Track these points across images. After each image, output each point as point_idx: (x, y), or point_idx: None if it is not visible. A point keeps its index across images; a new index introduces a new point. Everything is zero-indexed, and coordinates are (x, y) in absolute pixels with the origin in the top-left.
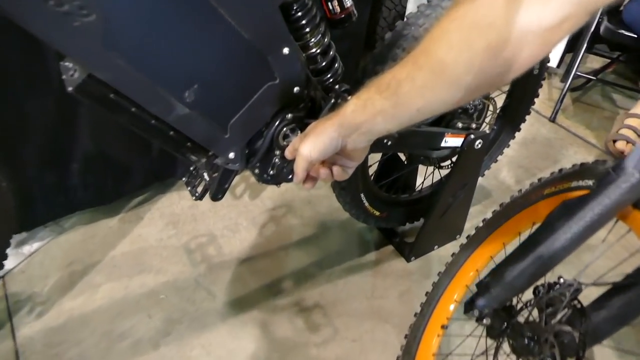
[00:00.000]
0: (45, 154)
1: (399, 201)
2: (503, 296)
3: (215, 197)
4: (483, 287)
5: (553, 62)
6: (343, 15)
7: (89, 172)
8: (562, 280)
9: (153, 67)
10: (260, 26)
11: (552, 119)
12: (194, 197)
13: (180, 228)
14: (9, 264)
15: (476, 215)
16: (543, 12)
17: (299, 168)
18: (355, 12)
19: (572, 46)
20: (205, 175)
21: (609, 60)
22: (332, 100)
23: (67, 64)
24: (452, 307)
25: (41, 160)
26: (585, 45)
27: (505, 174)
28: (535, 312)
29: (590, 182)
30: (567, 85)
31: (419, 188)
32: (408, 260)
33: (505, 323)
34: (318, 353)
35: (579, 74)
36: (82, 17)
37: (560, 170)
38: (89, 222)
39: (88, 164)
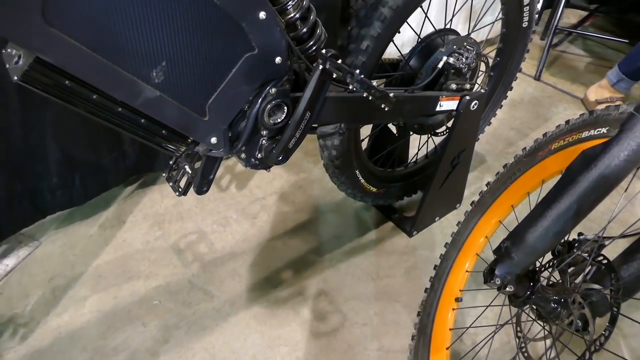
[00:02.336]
0: (6, 159)
1: (394, 175)
2: (526, 260)
3: (200, 191)
4: (502, 252)
5: None
6: None
7: (55, 173)
8: (582, 237)
9: (110, 43)
10: None
11: (537, 78)
12: (177, 193)
13: (167, 228)
14: None
15: (474, 182)
16: None
17: None
18: None
19: (549, 2)
20: (187, 168)
21: (586, 13)
22: (321, 67)
23: (9, 50)
24: (464, 278)
25: (2, 164)
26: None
27: (497, 138)
28: (556, 274)
29: (604, 130)
30: (549, 41)
31: (414, 159)
32: (410, 235)
33: (530, 289)
34: (329, 342)
35: (560, 28)
36: None
37: (567, 122)
38: (67, 232)
39: (53, 164)
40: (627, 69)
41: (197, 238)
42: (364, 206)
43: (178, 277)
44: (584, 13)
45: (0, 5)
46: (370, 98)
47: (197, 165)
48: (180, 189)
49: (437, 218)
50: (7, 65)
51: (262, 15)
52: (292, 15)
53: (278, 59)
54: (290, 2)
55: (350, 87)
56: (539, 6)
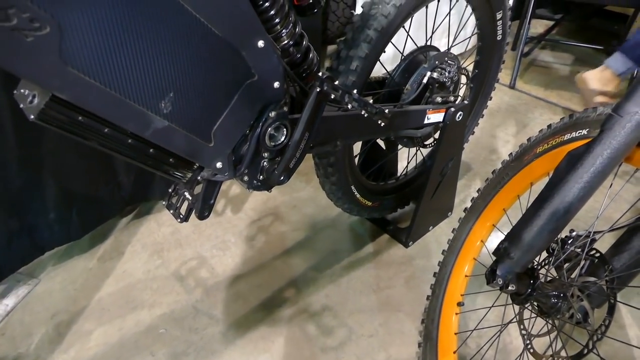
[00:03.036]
0: (2, 196)
1: (387, 188)
2: (524, 259)
3: (202, 216)
4: (501, 253)
5: None
6: (310, 1)
7: (52, 209)
8: (574, 234)
9: (122, 79)
10: (231, 20)
11: (512, 86)
12: (178, 220)
13: (166, 256)
14: None
15: (462, 190)
16: None
17: None
18: None
19: (516, 14)
20: (187, 194)
21: (552, 23)
22: (318, 89)
23: (22, 91)
24: (464, 283)
25: None
26: (531, 9)
27: (480, 146)
28: (552, 271)
29: (584, 131)
30: (520, 51)
31: (404, 172)
32: (406, 245)
33: (530, 286)
34: (337, 356)
35: (530, 37)
36: (34, 31)
37: (549, 126)
38: (66, 267)
39: (50, 200)
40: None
41: (197, 264)
42: (358, 220)
43: (182, 304)
44: (550, 22)
45: (20, 49)
46: (366, 115)
47: (196, 191)
48: (181, 216)
49: (431, 227)
50: (22, 105)
51: (260, 43)
52: (286, 41)
53: (276, 84)
54: (284, 30)
55: (349, 106)
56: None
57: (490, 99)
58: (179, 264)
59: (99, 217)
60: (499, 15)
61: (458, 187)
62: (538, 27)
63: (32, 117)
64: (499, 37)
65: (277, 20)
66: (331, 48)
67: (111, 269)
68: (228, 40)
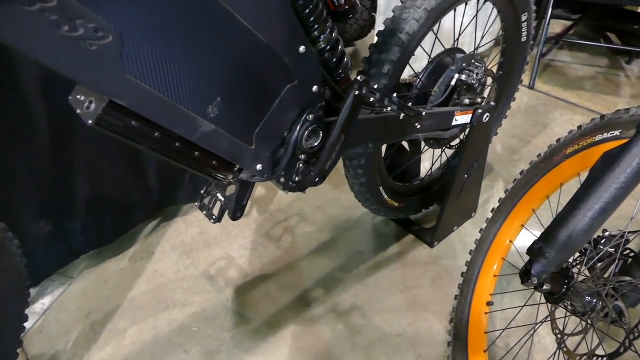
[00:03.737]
0: (39, 203)
1: (412, 189)
2: (559, 258)
3: (235, 216)
4: (536, 252)
5: None
6: (347, 6)
7: (86, 214)
8: (607, 234)
9: (174, 85)
10: (276, 27)
11: (531, 86)
12: (211, 220)
13: (195, 256)
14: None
15: (484, 190)
16: None
17: None
18: (358, 1)
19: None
20: (219, 196)
21: (570, 23)
22: (355, 92)
23: (78, 97)
24: (492, 282)
25: (36, 210)
26: (550, 9)
27: (501, 147)
28: (585, 271)
29: (617, 132)
30: (539, 51)
31: (429, 173)
32: (431, 245)
33: (565, 285)
34: (367, 354)
35: (549, 38)
36: (98, 40)
37: (579, 127)
38: (98, 268)
39: (84, 206)
40: None
41: (226, 263)
42: (382, 221)
43: (213, 303)
44: (568, 23)
45: (85, 58)
46: (402, 117)
47: (228, 192)
48: (214, 217)
49: (455, 227)
50: (78, 111)
51: (302, 49)
52: (323, 46)
53: (315, 88)
54: (322, 36)
55: (388, 109)
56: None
57: (514, 100)
58: (208, 263)
59: (131, 221)
60: (523, 17)
61: (481, 188)
62: (555, 27)
63: (90, 122)
64: (523, 39)
65: (315, 26)
66: (348, 50)
67: (142, 269)
68: (272, 46)
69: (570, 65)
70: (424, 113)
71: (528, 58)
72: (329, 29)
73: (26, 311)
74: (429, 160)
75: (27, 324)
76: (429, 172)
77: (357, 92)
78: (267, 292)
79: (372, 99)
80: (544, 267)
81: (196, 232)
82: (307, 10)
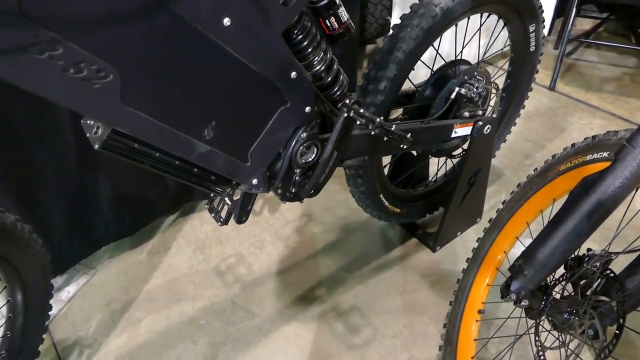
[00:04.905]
0: (66, 199)
1: (416, 195)
2: (537, 276)
3: (240, 220)
4: (516, 270)
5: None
6: (341, 30)
7: (108, 209)
8: (590, 253)
9: (171, 114)
10: (267, 57)
11: (552, 88)
12: (219, 223)
13: (208, 252)
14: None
15: (493, 196)
16: None
17: None
18: (352, 24)
19: (560, 11)
20: (227, 200)
21: (598, 21)
22: (345, 114)
23: (89, 122)
24: (485, 291)
25: (63, 205)
26: (574, 8)
27: (514, 151)
28: (569, 287)
29: (605, 154)
30: (561, 52)
31: (434, 179)
32: (434, 250)
33: (543, 302)
34: (362, 354)
35: (572, 38)
36: (100, 79)
37: (573, 145)
38: (119, 260)
39: (106, 202)
40: None
41: (236, 260)
42: (388, 224)
43: (221, 298)
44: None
45: (89, 95)
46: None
47: (235, 195)
48: (221, 219)
49: (459, 233)
50: (88, 135)
51: (293, 74)
52: (317, 68)
53: (307, 109)
54: (316, 58)
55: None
56: (549, 18)
57: (523, 108)
58: (219, 260)
59: (149, 216)
60: (531, 28)
61: (490, 193)
62: (585, 24)
63: (96, 146)
64: (532, 49)
65: (309, 50)
66: (369, 48)
67: (158, 262)
68: (264, 74)
69: (596, 66)
70: (408, 135)
71: (547, 57)
72: (323, 52)
73: (53, 299)
74: (434, 167)
75: (53, 311)
76: (434, 179)
77: (346, 115)
78: (273, 290)
79: (358, 122)
80: (522, 284)
81: (210, 229)
82: (301, 36)
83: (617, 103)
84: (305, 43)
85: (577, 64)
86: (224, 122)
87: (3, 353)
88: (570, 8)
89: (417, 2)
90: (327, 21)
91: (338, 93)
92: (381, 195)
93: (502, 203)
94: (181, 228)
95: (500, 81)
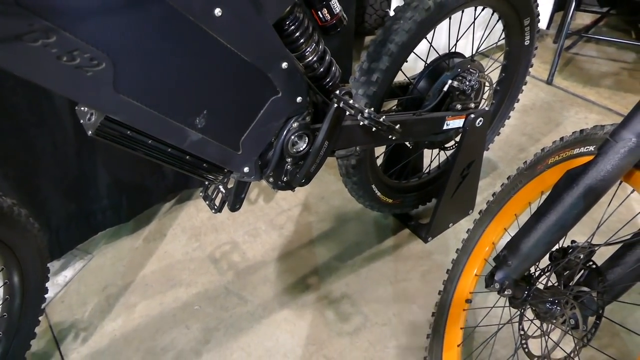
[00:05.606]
0: (64, 185)
1: (409, 186)
2: (521, 267)
3: (234, 208)
4: (501, 260)
5: (543, 24)
6: (334, 21)
7: (105, 196)
8: (575, 244)
9: (164, 102)
10: (258, 48)
11: (549, 82)
12: (213, 211)
13: (203, 240)
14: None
15: (486, 188)
16: None
17: None
18: (345, 16)
19: (560, 5)
20: (221, 188)
21: (598, 15)
22: (335, 105)
23: (83, 108)
24: (473, 281)
25: (61, 191)
26: (574, 2)
27: (509, 144)
28: (553, 277)
29: (591, 148)
30: (560, 46)
31: (427, 170)
32: (425, 241)
33: (526, 291)
34: (352, 341)
35: (571, 32)
36: (93, 67)
37: (562, 138)
38: (115, 245)
39: (103, 188)
40: None
41: (230, 248)
42: (382, 214)
43: (215, 284)
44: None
45: (82, 82)
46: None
47: (230, 184)
48: (215, 207)
49: (451, 224)
50: (82, 121)
51: (284, 65)
52: (310, 58)
53: (299, 99)
54: (308, 49)
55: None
56: (548, 12)
57: (518, 101)
58: (214, 247)
59: (145, 203)
60: (526, 22)
61: (483, 185)
62: (585, 18)
63: (90, 132)
64: (526, 43)
65: (301, 40)
66: (368, 39)
67: (154, 249)
68: (255, 64)
69: (595, 60)
70: (397, 127)
71: (546, 50)
72: (315, 43)
73: (50, 283)
74: (427, 159)
75: (50, 294)
76: (427, 170)
77: (336, 106)
78: (266, 277)
79: (348, 113)
80: (506, 274)
81: (205, 217)
82: (293, 28)
83: (614, 98)
84: (297, 34)
85: (575, 58)
86: (215, 111)
87: (0, 334)
88: (570, 2)
89: None
90: (319, 12)
91: (330, 84)
92: (373, 186)
93: (493, 195)
94: (177, 215)
95: (496, 73)
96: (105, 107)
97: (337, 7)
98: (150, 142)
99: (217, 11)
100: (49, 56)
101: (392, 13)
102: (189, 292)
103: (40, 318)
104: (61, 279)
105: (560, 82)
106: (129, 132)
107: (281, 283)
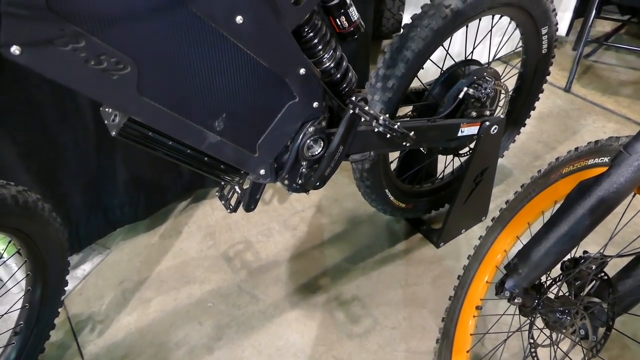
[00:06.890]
0: (84, 180)
1: (422, 191)
2: (531, 276)
3: (249, 208)
4: (511, 268)
5: (562, 31)
6: (352, 29)
7: (123, 192)
8: (587, 255)
9: (184, 105)
10: (277, 54)
11: (567, 89)
12: (228, 210)
13: (218, 238)
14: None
15: (500, 195)
16: None
17: None
18: (362, 23)
19: (580, 12)
20: (237, 188)
21: (619, 23)
22: (350, 111)
23: (107, 110)
24: (484, 288)
25: (81, 187)
26: (594, 10)
27: (524, 151)
28: (564, 287)
29: (606, 159)
30: (579, 53)
31: (440, 176)
32: (437, 246)
33: (536, 300)
34: (361, 343)
35: (590, 40)
36: (119, 71)
37: (576, 149)
38: (132, 241)
39: (122, 185)
40: None
41: (244, 247)
42: (394, 219)
43: (228, 282)
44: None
45: (108, 85)
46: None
47: (245, 184)
48: (231, 207)
49: (463, 230)
50: (106, 122)
51: (302, 71)
52: (327, 64)
53: (315, 104)
54: (326, 55)
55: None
56: (568, 19)
57: (534, 109)
58: (228, 246)
59: (162, 201)
60: (544, 31)
61: (497, 192)
62: (606, 26)
63: (113, 133)
64: (544, 51)
65: (319, 47)
66: (385, 43)
67: (170, 246)
68: (274, 70)
69: (615, 69)
70: (411, 134)
71: (565, 58)
72: (332, 49)
73: (69, 275)
74: (441, 164)
75: (69, 287)
76: (441, 176)
77: (351, 112)
78: (278, 277)
79: (363, 119)
80: (516, 282)
81: (220, 216)
82: (312, 34)
83: (633, 107)
84: (315, 41)
85: (595, 66)
86: (234, 114)
87: (21, 323)
88: (591, 9)
89: (429, 2)
90: (337, 20)
91: (346, 89)
92: (387, 190)
93: (506, 203)
94: (193, 214)
95: (513, 80)
96: (129, 108)
97: (354, 15)
98: (170, 143)
99: (239, 19)
100: (77, 60)
101: (405, 18)
102: (203, 289)
103: (59, 310)
104: (80, 273)
105: (579, 89)
106: (150, 133)
107: (293, 283)
